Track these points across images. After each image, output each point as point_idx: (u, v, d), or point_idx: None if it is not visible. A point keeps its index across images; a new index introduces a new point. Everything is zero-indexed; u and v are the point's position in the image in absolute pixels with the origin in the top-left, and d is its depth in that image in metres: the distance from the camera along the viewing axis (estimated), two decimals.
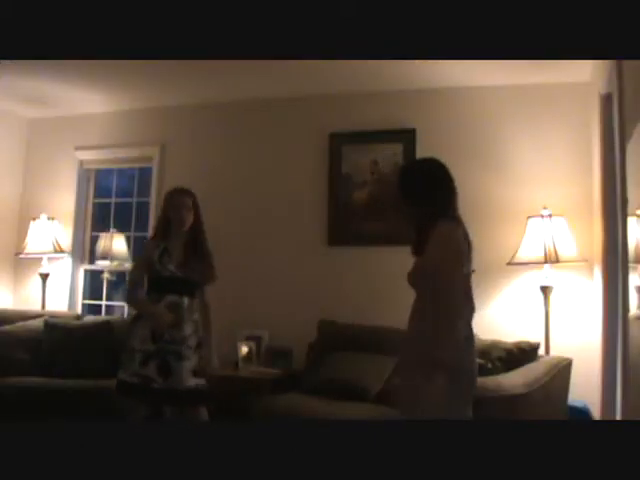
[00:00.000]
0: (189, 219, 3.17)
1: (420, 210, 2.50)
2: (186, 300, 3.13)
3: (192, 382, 3.06)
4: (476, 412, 2.86)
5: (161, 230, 3.21)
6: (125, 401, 3.10)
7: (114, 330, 4.33)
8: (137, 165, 5.29)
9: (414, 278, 2.50)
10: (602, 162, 3.33)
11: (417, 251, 2.48)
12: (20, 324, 4.48)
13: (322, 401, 3.53)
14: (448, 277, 2.40)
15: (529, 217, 3.94)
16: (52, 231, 5.04)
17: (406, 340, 2.48)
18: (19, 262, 5.22)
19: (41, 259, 5.03)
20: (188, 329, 3.11)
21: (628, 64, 2.50)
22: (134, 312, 3.33)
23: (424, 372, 2.28)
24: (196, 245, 3.19)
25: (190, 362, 3.08)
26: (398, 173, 2.76)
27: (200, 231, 3.23)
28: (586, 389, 3.60)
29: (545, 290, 3.87)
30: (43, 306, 4.98)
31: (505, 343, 3.48)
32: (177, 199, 3.19)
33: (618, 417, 2.99)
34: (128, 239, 5.16)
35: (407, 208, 2.57)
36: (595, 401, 3.49)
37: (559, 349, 3.71)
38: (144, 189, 5.20)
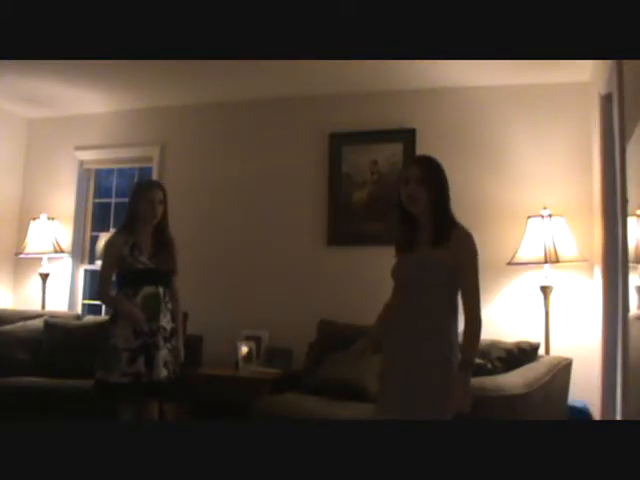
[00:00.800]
0: (160, 212, 3.21)
1: (440, 204, 2.42)
2: (162, 290, 3.17)
3: (164, 373, 3.09)
4: (476, 412, 2.87)
5: (130, 224, 3.22)
6: (109, 403, 3.13)
7: None
8: (137, 165, 5.29)
9: (429, 272, 2.36)
10: (602, 162, 3.33)
11: (437, 243, 2.38)
12: (20, 324, 4.48)
13: (322, 401, 3.53)
14: (477, 275, 2.42)
15: (529, 217, 3.94)
16: (52, 231, 5.04)
17: (405, 337, 2.36)
18: (19, 262, 5.22)
19: (41, 259, 5.03)
20: (164, 319, 3.16)
21: (628, 64, 2.50)
22: (110, 311, 3.35)
23: (443, 371, 2.22)
24: (164, 237, 3.24)
25: (163, 352, 3.11)
26: (422, 160, 2.65)
27: (166, 224, 3.28)
28: (586, 389, 3.60)
29: (545, 290, 3.87)
30: (43, 306, 4.97)
31: (505, 343, 3.48)
32: (151, 193, 3.21)
33: (618, 417, 2.99)
34: None
35: (427, 195, 2.41)
36: (595, 401, 3.49)
37: (559, 349, 3.71)
38: None
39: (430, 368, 2.25)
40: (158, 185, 3.33)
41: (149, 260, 3.17)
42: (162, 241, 3.23)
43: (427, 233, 2.42)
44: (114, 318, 3.16)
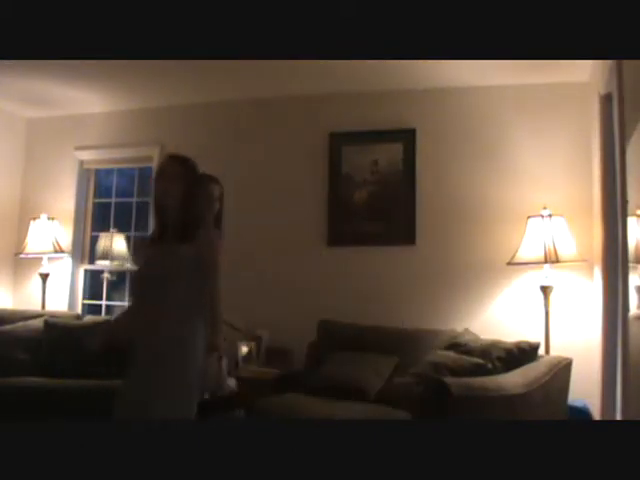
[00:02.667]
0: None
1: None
2: None
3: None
4: (476, 412, 2.87)
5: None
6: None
7: None
8: (137, 165, 5.29)
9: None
10: (602, 162, 3.33)
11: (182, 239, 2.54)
12: (20, 324, 4.48)
13: (322, 401, 3.53)
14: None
15: (529, 217, 3.94)
16: (52, 231, 5.04)
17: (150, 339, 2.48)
18: (19, 262, 5.22)
19: (41, 259, 5.03)
20: None
21: (628, 64, 2.50)
22: None
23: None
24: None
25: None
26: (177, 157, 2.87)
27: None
28: (586, 389, 3.60)
29: (545, 290, 3.87)
30: (43, 306, 4.97)
31: (505, 343, 3.48)
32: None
33: (618, 417, 2.99)
34: (128, 239, 5.15)
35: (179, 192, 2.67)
36: (595, 401, 3.49)
37: (559, 349, 3.71)
38: (144, 189, 5.20)
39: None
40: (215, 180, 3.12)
41: None
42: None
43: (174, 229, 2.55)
44: None
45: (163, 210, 2.59)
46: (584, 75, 3.94)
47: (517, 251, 3.92)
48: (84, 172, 5.33)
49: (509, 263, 3.96)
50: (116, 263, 5.04)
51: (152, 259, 2.57)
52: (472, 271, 4.23)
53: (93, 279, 5.34)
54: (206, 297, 2.53)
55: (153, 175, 2.64)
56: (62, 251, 5.05)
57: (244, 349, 4.33)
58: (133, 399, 2.45)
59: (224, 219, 3.16)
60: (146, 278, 2.56)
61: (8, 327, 4.43)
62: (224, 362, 2.49)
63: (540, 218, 3.88)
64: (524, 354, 3.39)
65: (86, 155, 5.28)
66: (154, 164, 5.06)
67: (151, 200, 2.62)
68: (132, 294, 2.53)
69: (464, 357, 3.38)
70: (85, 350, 2.84)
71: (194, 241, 2.49)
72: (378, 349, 3.89)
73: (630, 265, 2.61)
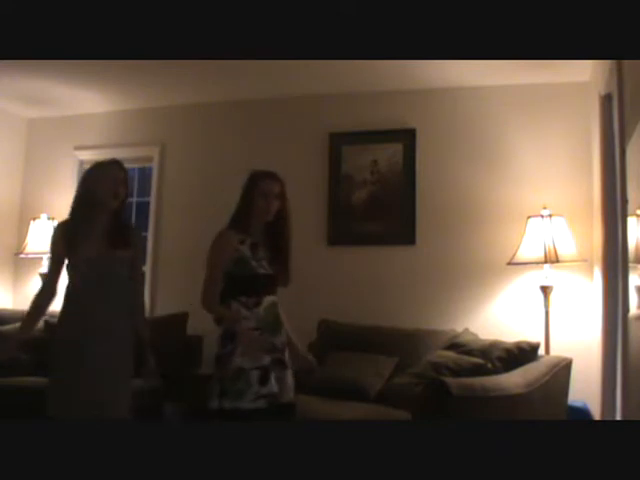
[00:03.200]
0: (275, 209, 2.69)
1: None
2: (275, 299, 2.70)
3: (291, 396, 2.63)
4: (476, 412, 2.87)
5: (242, 221, 2.69)
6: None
7: None
8: (137, 165, 5.29)
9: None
10: (602, 162, 3.33)
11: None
12: (20, 324, 4.47)
13: (322, 401, 3.53)
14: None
15: (529, 217, 3.94)
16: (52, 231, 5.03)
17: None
18: (19, 262, 5.22)
19: (41, 259, 5.03)
20: (284, 334, 2.69)
21: (628, 64, 2.50)
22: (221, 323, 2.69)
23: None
24: (281, 240, 2.71)
25: (289, 372, 2.64)
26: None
27: (288, 221, 2.74)
28: (586, 389, 3.60)
29: (545, 290, 3.87)
30: None
31: (505, 343, 3.49)
32: (266, 186, 2.70)
33: (618, 417, 2.99)
34: None
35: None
36: (595, 401, 3.50)
37: (559, 349, 3.71)
38: (144, 189, 5.20)
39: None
40: (274, 177, 2.77)
41: (268, 265, 2.67)
42: (279, 244, 2.71)
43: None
44: (229, 334, 2.57)
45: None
46: (584, 75, 3.94)
47: (517, 251, 3.92)
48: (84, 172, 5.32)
49: (509, 263, 3.96)
50: None
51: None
52: (472, 271, 4.23)
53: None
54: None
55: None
56: None
57: None
58: (86, 398, 2.59)
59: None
60: None
61: (8, 327, 4.42)
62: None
63: (540, 218, 3.88)
64: (524, 354, 3.39)
65: (86, 155, 5.27)
66: (154, 164, 5.06)
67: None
68: None
69: (464, 357, 3.39)
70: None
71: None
72: (378, 349, 3.89)
73: (630, 265, 2.61)
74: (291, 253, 2.75)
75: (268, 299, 2.65)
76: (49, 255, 2.90)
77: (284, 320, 2.73)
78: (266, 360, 2.54)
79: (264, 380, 2.50)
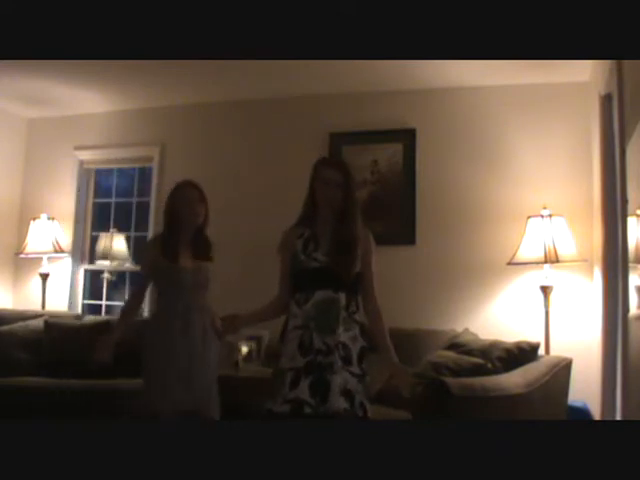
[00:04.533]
0: (339, 198, 2.55)
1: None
2: (343, 296, 2.46)
3: (342, 404, 2.35)
4: (476, 412, 2.87)
5: (307, 213, 2.64)
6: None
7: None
8: (137, 165, 5.29)
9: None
10: (602, 162, 3.33)
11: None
12: (20, 324, 4.48)
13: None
14: None
15: (529, 217, 3.94)
16: (52, 231, 5.04)
17: None
18: (19, 262, 5.22)
19: (41, 259, 5.03)
20: (345, 334, 2.43)
21: (628, 64, 2.50)
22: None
23: None
24: (347, 231, 2.54)
25: (342, 377, 2.38)
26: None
27: (351, 216, 2.57)
28: (586, 389, 3.60)
29: (545, 290, 3.87)
30: (43, 306, 4.97)
31: (505, 343, 3.48)
32: (325, 173, 2.58)
33: (618, 417, 2.99)
34: (128, 239, 5.16)
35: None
36: (595, 401, 3.49)
37: (559, 349, 3.71)
38: (144, 189, 5.21)
39: None
40: (336, 165, 2.69)
41: (327, 257, 2.50)
42: (345, 235, 2.53)
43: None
44: (281, 332, 2.56)
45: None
46: (584, 75, 3.94)
47: (517, 251, 3.92)
48: (84, 172, 5.33)
49: (509, 263, 3.96)
50: (116, 263, 5.04)
51: None
52: (472, 271, 4.23)
53: (93, 279, 5.34)
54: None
55: None
56: (62, 251, 5.05)
57: (244, 349, 4.32)
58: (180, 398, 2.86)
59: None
60: None
61: (8, 327, 4.42)
62: None
63: (540, 218, 3.88)
64: (524, 354, 3.39)
65: (86, 155, 5.28)
66: (154, 164, 5.06)
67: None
68: None
69: (464, 357, 3.38)
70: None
71: None
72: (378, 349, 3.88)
73: (630, 265, 2.61)
74: (355, 244, 2.51)
75: (319, 294, 2.44)
76: (140, 267, 3.27)
77: (369, 325, 2.51)
78: (300, 362, 2.38)
79: (294, 383, 2.36)
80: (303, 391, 2.34)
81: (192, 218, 3.05)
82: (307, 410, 2.32)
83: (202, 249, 3.08)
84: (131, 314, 3.20)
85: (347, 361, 2.40)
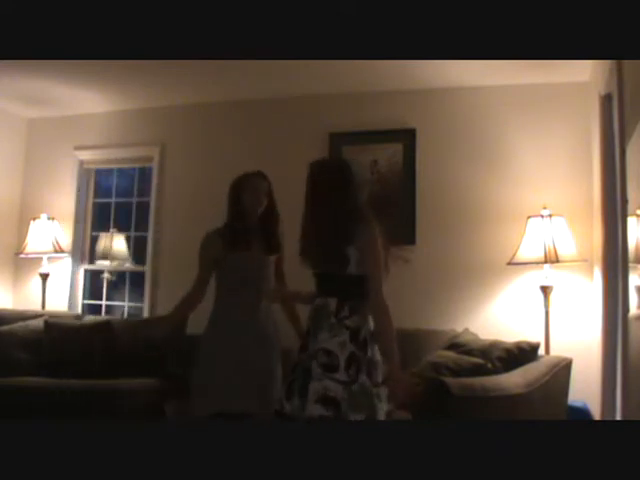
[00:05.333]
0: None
1: None
2: (333, 302, 2.45)
3: (315, 411, 2.31)
4: (476, 412, 2.87)
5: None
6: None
7: (114, 330, 4.32)
8: (137, 165, 5.29)
9: None
10: (602, 162, 3.33)
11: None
12: (20, 324, 4.48)
13: None
14: None
15: (529, 217, 3.94)
16: (52, 231, 5.04)
17: None
18: (19, 262, 5.22)
19: (41, 259, 5.03)
20: (329, 340, 2.40)
21: (628, 64, 2.50)
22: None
23: None
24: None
25: (319, 384, 2.33)
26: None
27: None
28: (586, 389, 3.60)
29: (545, 290, 3.87)
30: (43, 306, 4.97)
31: (505, 343, 3.48)
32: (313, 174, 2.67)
33: (618, 417, 2.99)
34: (128, 239, 5.16)
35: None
36: (595, 401, 3.49)
37: (559, 349, 3.71)
38: (144, 189, 5.21)
39: None
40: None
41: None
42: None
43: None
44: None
45: None
46: (584, 75, 3.94)
47: (517, 251, 3.92)
48: (84, 172, 5.32)
49: (509, 263, 3.96)
50: (116, 263, 5.04)
51: None
52: (472, 271, 4.22)
53: (93, 279, 5.34)
54: None
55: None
56: (62, 251, 5.05)
57: None
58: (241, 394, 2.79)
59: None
60: None
61: (8, 327, 4.42)
62: None
63: (540, 218, 3.88)
64: (524, 354, 3.39)
65: (86, 155, 5.28)
66: (154, 164, 5.06)
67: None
68: None
69: (464, 357, 3.38)
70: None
71: None
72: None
73: (630, 265, 2.61)
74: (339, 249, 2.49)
75: (316, 300, 2.50)
76: (200, 260, 3.04)
77: (379, 332, 2.44)
78: (293, 364, 2.49)
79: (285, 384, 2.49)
80: (281, 390, 2.49)
81: (257, 207, 2.98)
82: (276, 408, 2.45)
83: (268, 238, 3.01)
84: (190, 308, 3.06)
85: (330, 368, 2.34)
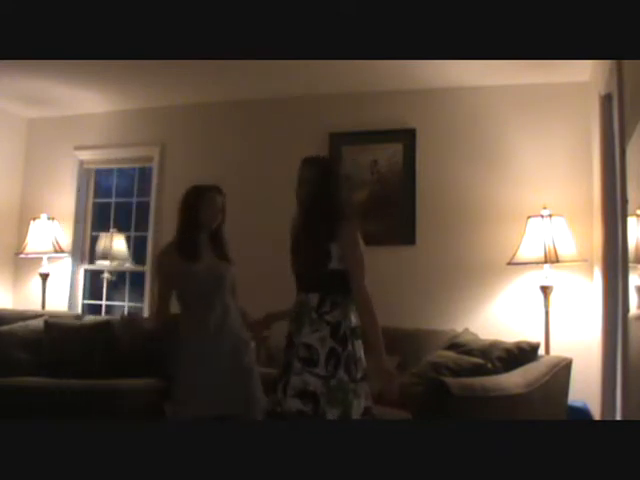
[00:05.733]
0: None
1: None
2: (314, 297, 2.47)
3: (296, 405, 2.34)
4: (476, 412, 2.87)
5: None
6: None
7: (114, 330, 4.32)
8: (137, 165, 5.29)
9: None
10: (602, 162, 3.33)
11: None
12: (20, 324, 4.48)
13: None
14: None
15: (529, 217, 3.94)
16: (52, 231, 5.04)
17: None
18: (19, 262, 5.22)
19: (41, 259, 5.03)
20: (309, 335, 2.43)
21: (628, 64, 2.50)
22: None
23: None
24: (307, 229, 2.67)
25: (301, 379, 2.37)
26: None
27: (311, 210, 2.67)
28: (586, 389, 3.60)
29: (545, 290, 3.87)
30: (43, 306, 4.97)
31: (505, 343, 3.48)
32: (300, 172, 2.77)
33: (618, 417, 2.99)
34: (128, 239, 5.16)
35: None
36: (595, 401, 3.49)
37: (559, 349, 3.71)
38: (144, 189, 5.21)
39: None
40: (309, 161, 2.90)
41: (294, 258, 2.66)
42: (305, 234, 2.63)
43: None
44: None
45: None
46: (584, 75, 3.94)
47: (517, 251, 3.92)
48: (84, 172, 5.33)
49: (509, 263, 3.96)
50: (116, 263, 5.04)
51: None
52: (472, 271, 4.23)
53: (93, 279, 5.34)
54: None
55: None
56: (62, 251, 5.05)
57: None
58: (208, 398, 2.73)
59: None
60: None
61: (8, 327, 4.42)
62: None
63: (540, 218, 3.88)
64: (524, 354, 3.39)
65: (86, 155, 5.28)
66: (154, 164, 5.06)
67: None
68: None
69: (464, 357, 3.38)
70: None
71: None
72: None
73: (630, 265, 2.61)
74: (317, 242, 2.55)
75: (297, 297, 2.55)
76: (158, 277, 3.07)
77: (333, 319, 2.44)
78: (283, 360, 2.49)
79: (276, 382, 2.47)
80: (280, 390, 2.43)
81: (212, 223, 3.00)
82: (278, 409, 2.40)
83: (221, 248, 3.03)
84: (161, 321, 3.03)
85: (310, 363, 2.37)
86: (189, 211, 2.95)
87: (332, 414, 2.31)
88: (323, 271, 2.47)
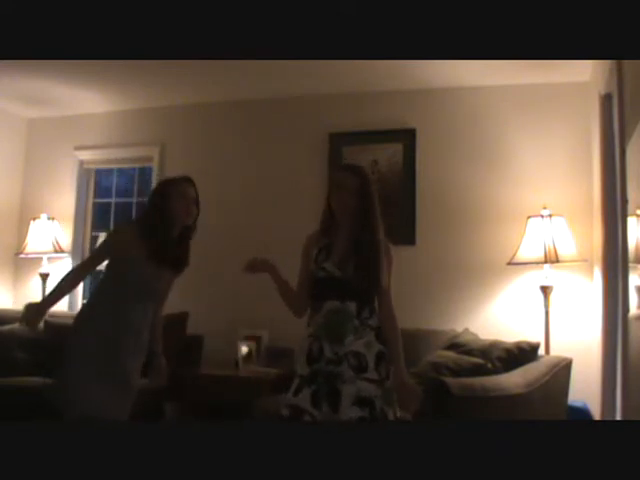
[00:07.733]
0: (352, 205, 2.49)
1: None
2: (353, 305, 2.43)
3: (354, 413, 2.30)
4: (476, 412, 2.87)
5: (326, 221, 2.59)
6: None
7: None
8: (137, 165, 5.29)
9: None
10: (602, 162, 3.33)
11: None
12: (20, 324, 4.47)
13: None
14: None
15: (529, 217, 3.94)
16: (52, 231, 5.04)
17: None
18: (19, 262, 5.22)
19: (41, 259, 5.03)
20: (356, 343, 2.40)
21: (628, 64, 2.50)
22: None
23: None
24: (365, 239, 2.49)
25: (355, 387, 2.33)
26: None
27: (370, 223, 2.49)
28: (586, 389, 3.60)
29: (545, 290, 3.87)
30: None
31: (505, 343, 3.48)
32: (342, 179, 2.53)
33: (618, 417, 2.99)
34: None
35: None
36: (595, 401, 3.49)
37: (559, 349, 3.71)
38: (144, 189, 5.20)
39: None
40: (351, 169, 2.61)
41: (338, 267, 2.47)
42: (362, 244, 2.47)
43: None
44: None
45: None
46: (584, 75, 3.94)
47: (517, 251, 3.92)
48: (84, 172, 5.33)
49: (509, 263, 3.96)
50: None
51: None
52: (472, 271, 4.23)
53: (93, 279, 5.33)
54: None
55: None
56: (62, 251, 5.05)
57: (244, 349, 4.32)
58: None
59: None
60: None
61: (8, 327, 4.42)
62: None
63: (540, 218, 3.88)
64: (524, 354, 3.39)
65: (86, 155, 5.28)
66: (154, 164, 5.06)
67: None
68: None
69: (464, 357, 3.38)
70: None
71: None
72: None
73: (630, 265, 2.61)
74: (376, 256, 2.48)
75: (329, 304, 2.44)
76: (97, 247, 3.05)
77: (389, 338, 2.46)
78: (305, 370, 2.40)
79: (297, 390, 2.38)
80: (304, 400, 2.34)
81: (184, 219, 2.77)
82: (306, 418, 2.31)
83: (185, 256, 2.85)
84: (70, 289, 2.93)
85: (361, 369, 2.36)
86: (158, 205, 2.75)
87: (391, 414, 2.35)
88: (380, 284, 2.48)
